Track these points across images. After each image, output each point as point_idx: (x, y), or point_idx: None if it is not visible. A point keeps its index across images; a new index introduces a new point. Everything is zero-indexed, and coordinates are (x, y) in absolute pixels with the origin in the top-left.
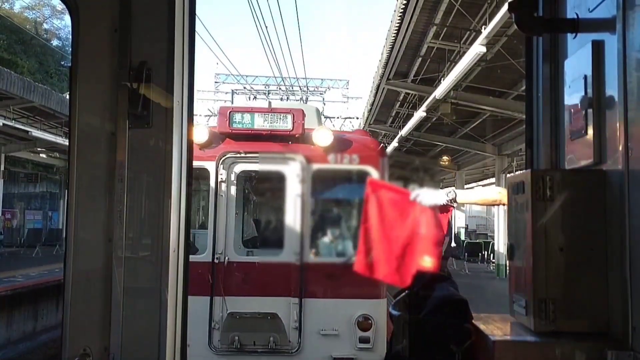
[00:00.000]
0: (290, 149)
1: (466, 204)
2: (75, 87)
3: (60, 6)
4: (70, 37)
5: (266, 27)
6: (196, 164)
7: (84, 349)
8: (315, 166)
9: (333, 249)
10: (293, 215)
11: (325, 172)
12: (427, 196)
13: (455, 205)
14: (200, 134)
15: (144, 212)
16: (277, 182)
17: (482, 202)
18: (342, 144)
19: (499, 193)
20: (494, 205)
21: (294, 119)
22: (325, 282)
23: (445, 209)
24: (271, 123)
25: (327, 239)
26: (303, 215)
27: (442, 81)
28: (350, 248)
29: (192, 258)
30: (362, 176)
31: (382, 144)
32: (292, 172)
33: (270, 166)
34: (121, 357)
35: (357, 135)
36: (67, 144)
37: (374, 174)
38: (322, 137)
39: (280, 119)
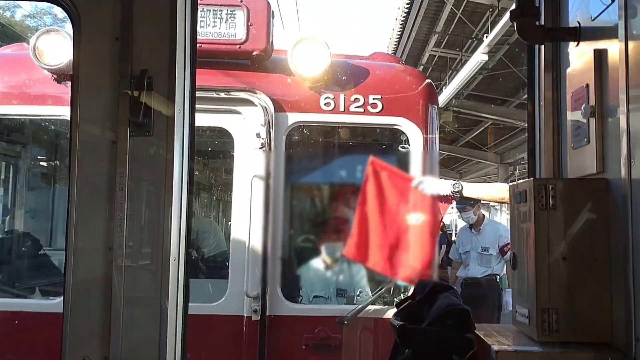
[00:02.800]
0: (242, 82)
1: (472, 198)
2: (77, 95)
3: (61, 14)
4: (72, 45)
5: None
6: (51, 111)
7: (83, 358)
8: (294, 118)
9: (329, 286)
10: (247, 217)
11: (314, 129)
12: (431, 185)
13: (458, 197)
14: (60, 48)
15: (144, 220)
16: (215, 149)
17: (489, 198)
18: (349, 74)
19: (507, 191)
20: (501, 202)
21: (248, 20)
22: (312, 358)
23: (447, 199)
24: (203, 27)
25: (316, 264)
26: (268, 217)
27: (443, 89)
28: (364, 281)
29: (31, 305)
30: (388, 139)
31: (427, 79)
32: (246, 129)
33: (201, 117)
34: None
35: (379, 61)
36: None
37: (412, 133)
38: (308, 59)
39: (220, 19)
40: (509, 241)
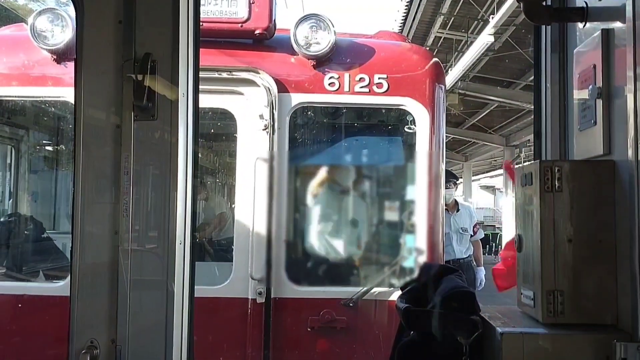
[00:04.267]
0: (244, 61)
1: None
2: (80, 79)
3: None
4: (75, 29)
5: None
6: (52, 92)
7: (90, 341)
8: (298, 98)
9: (336, 269)
10: (251, 200)
11: (318, 110)
12: None
13: (459, 183)
14: (59, 28)
15: (149, 204)
16: (218, 132)
17: None
18: (354, 53)
19: None
20: None
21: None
22: (318, 341)
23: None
24: (204, 6)
25: (321, 247)
26: (272, 200)
27: (449, 71)
28: (373, 265)
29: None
30: (394, 121)
31: (435, 58)
32: (249, 110)
33: (203, 99)
34: (128, 349)
35: (385, 40)
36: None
37: (418, 113)
38: (311, 38)
39: None
40: (477, 221)
